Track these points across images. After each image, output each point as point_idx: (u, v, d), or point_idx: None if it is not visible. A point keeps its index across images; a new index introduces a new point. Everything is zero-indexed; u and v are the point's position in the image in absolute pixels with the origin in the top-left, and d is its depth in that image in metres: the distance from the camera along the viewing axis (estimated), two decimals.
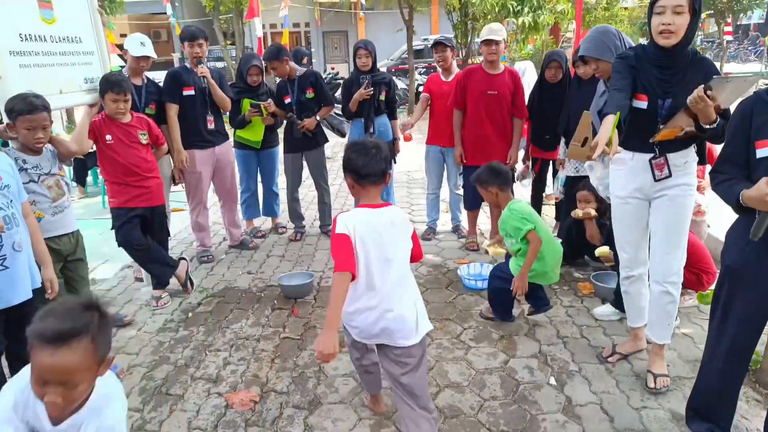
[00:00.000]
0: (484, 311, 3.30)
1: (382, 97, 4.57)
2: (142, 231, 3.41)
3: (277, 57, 4.34)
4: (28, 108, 2.40)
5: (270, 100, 4.45)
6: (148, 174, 3.33)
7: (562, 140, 4.04)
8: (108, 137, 3.18)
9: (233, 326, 3.29)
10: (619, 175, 2.55)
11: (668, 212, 2.41)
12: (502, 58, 4.32)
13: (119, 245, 3.40)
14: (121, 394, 1.41)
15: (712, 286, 2.80)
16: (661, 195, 2.43)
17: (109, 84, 3.12)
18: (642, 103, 2.33)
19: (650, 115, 2.32)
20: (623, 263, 2.67)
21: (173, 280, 3.67)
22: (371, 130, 4.58)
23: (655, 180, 2.39)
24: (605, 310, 3.23)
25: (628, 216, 2.56)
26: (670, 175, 2.36)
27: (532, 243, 2.90)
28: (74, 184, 6.43)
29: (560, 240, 4.12)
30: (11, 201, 2.12)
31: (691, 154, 2.39)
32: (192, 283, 3.77)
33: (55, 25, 3.03)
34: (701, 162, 2.46)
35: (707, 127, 2.16)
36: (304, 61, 7.78)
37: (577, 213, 3.62)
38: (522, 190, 5.15)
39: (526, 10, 8.46)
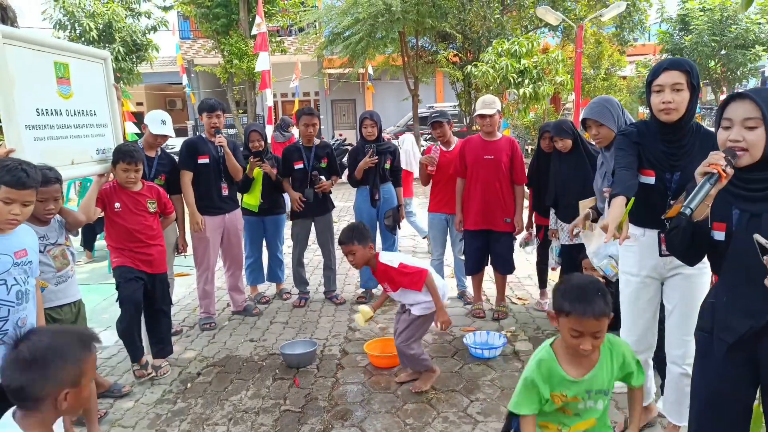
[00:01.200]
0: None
1: (387, 165, 4.69)
2: (144, 298, 3.39)
3: (311, 113, 4.56)
4: (41, 180, 2.46)
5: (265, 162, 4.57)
6: (151, 241, 3.35)
7: (552, 210, 4.07)
8: (117, 205, 3.23)
9: (232, 398, 3.19)
10: (631, 252, 2.45)
11: (684, 293, 2.31)
12: (505, 125, 4.44)
13: (120, 303, 3.30)
14: None
15: None
16: (675, 274, 2.33)
17: (121, 154, 3.22)
18: (649, 179, 2.30)
19: (659, 190, 2.29)
20: (630, 345, 2.54)
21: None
22: (377, 197, 4.65)
23: (660, 254, 2.32)
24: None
25: (638, 296, 2.44)
26: None
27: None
28: (82, 248, 6.49)
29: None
30: (28, 277, 2.13)
31: None
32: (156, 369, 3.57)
33: (71, 99, 3.16)
34: None
35: None
36: (290, 129, 8.18)
37: None
38: (526, 258, 5.13)
39: (526, 81, 8.77)
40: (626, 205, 2.15)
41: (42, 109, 2.90)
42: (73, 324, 2.69)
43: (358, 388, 3.27)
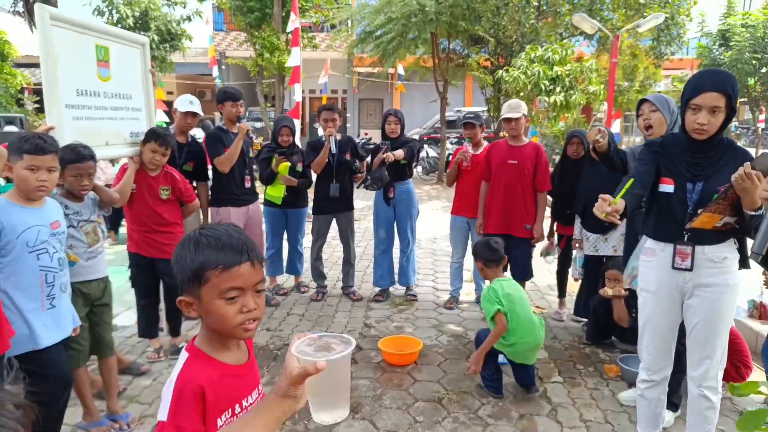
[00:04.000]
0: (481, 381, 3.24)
1: (404, 161, 4.58)
2: (156, 279, 3.52)
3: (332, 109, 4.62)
4: (76, 157, 2.56)
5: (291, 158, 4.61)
6: (158, 228, 3.39)
7: (578, 220, 4.01)
8: (133, 186, 3.30)
9: None
10: (648, 267, 2.38)
11: (706, 311, 2.23)
12: (533, 132, 4.40)
13: (133, 288, 3.56)
14: None
15: (750, 378, 2.65)
16: (696, 294, 2.25)
17: (154, 135, 3.30)
18: (668, 187, 2.28)
19: (679, 199, 2.25)
20: (645, 364, 2.46)
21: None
22: (391, 195, 4.65)
23: (673, 267, 2.25)
24: (632, 395, 3.07)
25: (656, 313, 2.37)
26: (690, 269, 2.22)
27: (496, 326, 3.00)
28: (107, 230, 6.64)
29: (585, 321, 4.01)
30: (62, 246, 2.30)
31: (731, 250, 2.22)
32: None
33: (109, 82, 3.25)
34: (743, 265, 2.26)
35: (751, 213, 2.04)
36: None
37: (607, 291, 3.53)
38: (547, 267, 5.08)
39: (558, 89, 8.67)
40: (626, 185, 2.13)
41: (82, 90, 2.99)
42: (100, 299, 2.77)
43: (370, 383, 3.29)
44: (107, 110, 3.24)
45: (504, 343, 3.05)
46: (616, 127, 9.27)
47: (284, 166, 4.55)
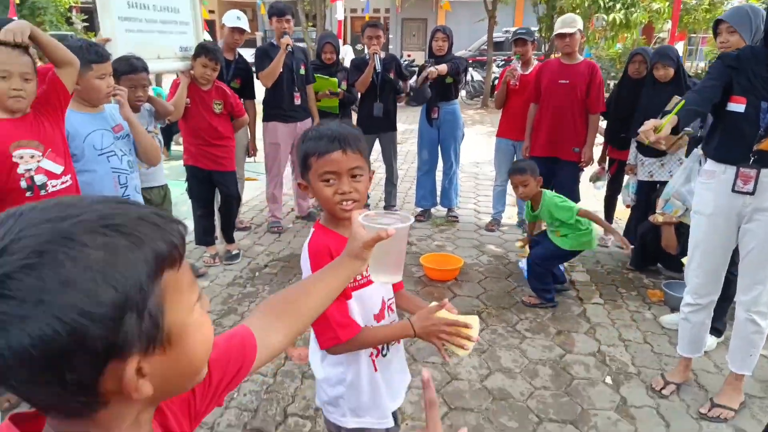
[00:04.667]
0: (526, 299, 3.34)
1: (449, 79, 4.48)
2: (212, 191, 3.68)
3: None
4: (130, 68, 2.63)
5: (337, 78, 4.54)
6: (214, 141, 3.52)
7: (633, 144, 3.86)
8: (187, 100, 3.38)
9: None
10: (707, 189, 2.28)
11: (762, 240, 2.15)
12: (587, 54, 4.18)
13: (190, 198, 3.75)
14: None
15: None
16: (756, 219, 2.16)
17: (205, 50, 3.35)
18: (739, 106, 2.13)
19: (749, 120, 2.11)
20: (691, 288, 2.42)
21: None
22: (434, 115, 4.57)
23: (733, 190, 2.16)
24: (675, 319, 3.09)
25: (709, 237, 2.28)
26: (752, 193, 2.12)
27: (588, 215, 3.20)
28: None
29: (632, 247, 3.97)
30: (130, 149, 2.41)
31: None
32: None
33: None
34: None
35: None
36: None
37: (657, 218, 3.45)
38: (594, 193, 4.99)
39: (618, 6, 8.07)
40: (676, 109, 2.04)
41: (132, 2, 3.01)
42: (161, 206, 2.93)
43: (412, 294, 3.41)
44: (157, 23, 3.27)
45: (580, 229, 3.21)
46: (678, 49, 8.65)
47: (331, 83, 4.51)
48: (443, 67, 4.32)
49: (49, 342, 0.45)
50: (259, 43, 20.54)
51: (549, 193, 3.32)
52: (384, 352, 1.40)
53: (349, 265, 0.95)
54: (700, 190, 2.35)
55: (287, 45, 4.06)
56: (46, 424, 0.54)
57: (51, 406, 0.51)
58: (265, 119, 4.31)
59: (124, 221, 0.49)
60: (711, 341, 2.80)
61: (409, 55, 18.42)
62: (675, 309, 3.20)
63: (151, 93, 2.87)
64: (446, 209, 4.95)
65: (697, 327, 2.44)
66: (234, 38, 4.03)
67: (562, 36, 3.86)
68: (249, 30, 4.09)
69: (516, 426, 2.25)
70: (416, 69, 4.94)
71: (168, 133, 6.86)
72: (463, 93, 12.86)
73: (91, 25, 14.26)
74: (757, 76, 2.11)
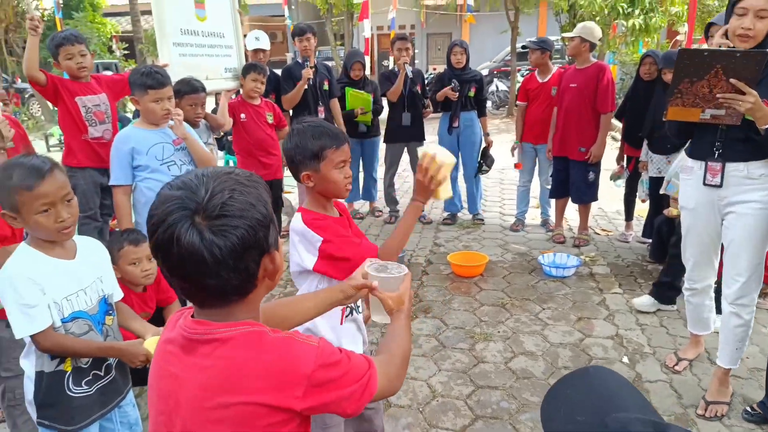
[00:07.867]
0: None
1: (471, 93, 4.76)
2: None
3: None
4: (191, 89, 2.99)
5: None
6: (271, 150, 3.89)
7: (645, 142, 4.04)
8: (242, 116, 3.76)
9: None
10: (686, 184, 2.42)
11: (738, 232, 2.22)
12: (611, 60, 4.40)
13: None
14: None
15: None
16: (729, 211, 2.26)
17: (252, 66, 3.78)
18: None
19: None
20: (687, 274, 2.56)
21: None
22: (455, 124, 4.83)
23: (704, 183, 2.28)
24: (645, 301, 3.26)
25: (695, 230, 2.42)
26: (720, 185, 2.23)
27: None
28: None
29: (649, 240, 4.13)
30: (189, 159, 2.68)
31: None
32: None
33: (205, 22, 3.64)
34: None
35: (764, 128, 1.99)
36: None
37: (671, 211, 3.63)
38: (615, 191, 5.14)
39: (637, 12, 8.22)
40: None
41: (184, 29, 3.40)
42: None
43: (439, 291, 3.67)
44: (205, 47, 3.65)
45: None
46: None
47: (365, 99, 4.80)
48: (453, 95, 4.65)
49: (245, 240, 0.81)
50: (289, 63, 21.20)
51: None
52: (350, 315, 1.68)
53: (338, 295, 1.26)
54: (683, 186, 2.46)
55: (308, 78, 4.35)
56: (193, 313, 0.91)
57: (224, 293, 0.85)
58: None
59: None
60: (720, 321, 2.95)
61: (434, 68, 18.71)
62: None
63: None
64: (472, 214, 5.18)
65: (699, 308, 2.57)
66: (258, 57, 4.39)
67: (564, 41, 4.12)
68: (267, 47, 4.43)
69: (538, 400, 2.47)
70: (431, 79, 5.24)
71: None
72: (489, 103, 13.07)
73: (132, 53, 15.12)
74: None
